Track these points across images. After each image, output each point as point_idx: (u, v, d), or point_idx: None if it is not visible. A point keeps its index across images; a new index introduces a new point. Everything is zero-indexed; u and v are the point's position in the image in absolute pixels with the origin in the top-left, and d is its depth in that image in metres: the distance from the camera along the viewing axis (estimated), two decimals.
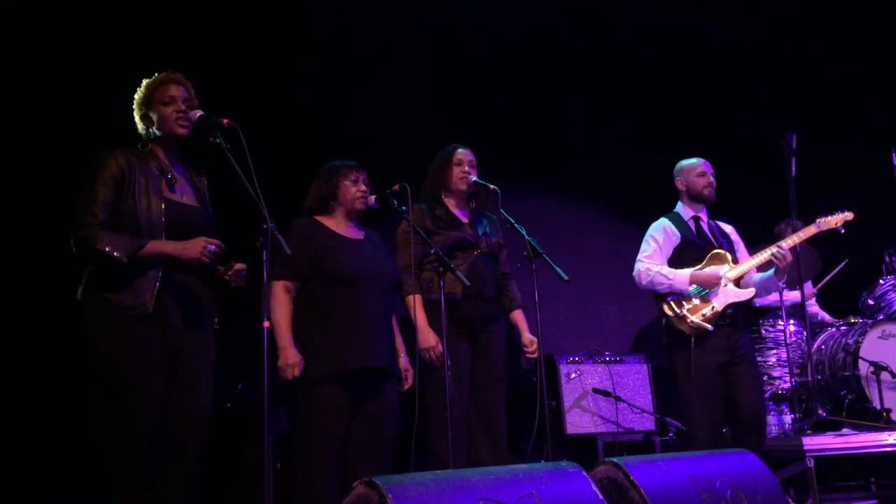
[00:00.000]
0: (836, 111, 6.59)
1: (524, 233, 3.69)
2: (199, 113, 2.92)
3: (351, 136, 5.10)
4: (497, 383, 3.89)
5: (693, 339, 3.99)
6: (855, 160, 6.16)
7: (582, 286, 6.09)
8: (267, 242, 2.72)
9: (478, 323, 3.84)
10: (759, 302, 5.38)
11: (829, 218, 4.14)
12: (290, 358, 3.27)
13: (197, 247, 2.80)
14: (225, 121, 2.84)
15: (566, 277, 3.59)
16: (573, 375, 5.51)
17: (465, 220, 4.00)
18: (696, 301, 4.04)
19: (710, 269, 4.07)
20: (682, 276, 4.06)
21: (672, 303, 4.08)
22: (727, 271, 4.07)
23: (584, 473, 2.43)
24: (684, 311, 4.03)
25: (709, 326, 3.98)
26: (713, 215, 4.41)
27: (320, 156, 3.78)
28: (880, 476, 5.42)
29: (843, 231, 4.08)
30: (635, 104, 6.33)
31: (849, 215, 4.12)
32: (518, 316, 4.11)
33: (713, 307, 4.02)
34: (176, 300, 2.86)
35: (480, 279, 3.84)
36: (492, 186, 3.84)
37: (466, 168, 3.97)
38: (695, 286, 4.03)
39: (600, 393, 5.44)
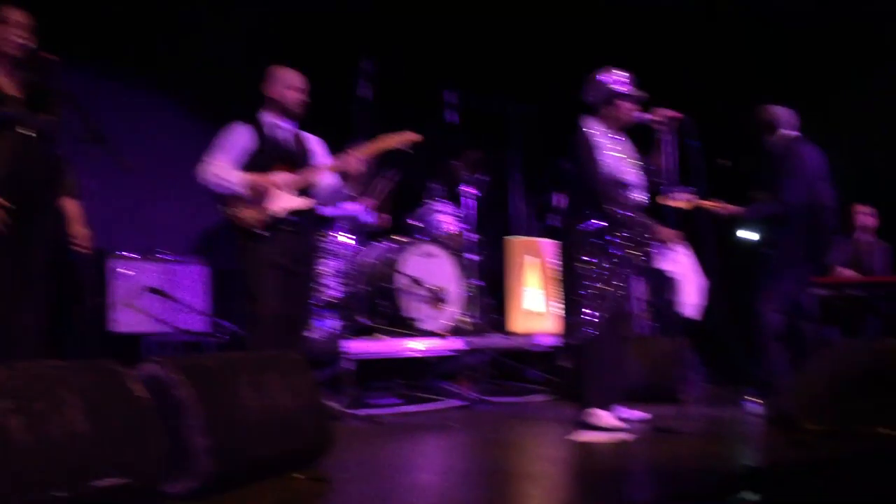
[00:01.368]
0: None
1: (85, 114, 3.32)
2: None
3: None
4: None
5: (252, 241, 4.01)
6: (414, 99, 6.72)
7: (145, 179, 5.72)
8: None
9: (24, 210, 3.39)
10: (323, 212, 5.62)
11: (398, 135, 4.36)
12: None
13: None
14: None
15: (130, 167, 3.33)
16: (125, 272, 5.23)
17: (15, 92, 3.47)
18: (253, 204, 4.04)
19: (274, 175, 4.09)
20: (241, 178, 4.03)
21: (232, 204, 4.04)
22: (292, 179, 4.11)
23: (128, 371, 2.33)
24: (243, 213, 4.02)
25: (265, 232, 4.02)
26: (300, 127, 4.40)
27: None
28: (404, 377, 6.15)
29: (408, 150, 4.34)
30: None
31: (415, 136, 4.38)
32: (71, 204, 3.72)
33: (273, 211, 4.05)
34: None
35: (28, 162, 3.38)
36: (51, 56, 3.37)
37: (21, 31, 3.42)
38: (254, 189, 4.03)
39: (154, 292, 5.25)
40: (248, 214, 4.03)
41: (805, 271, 4.91)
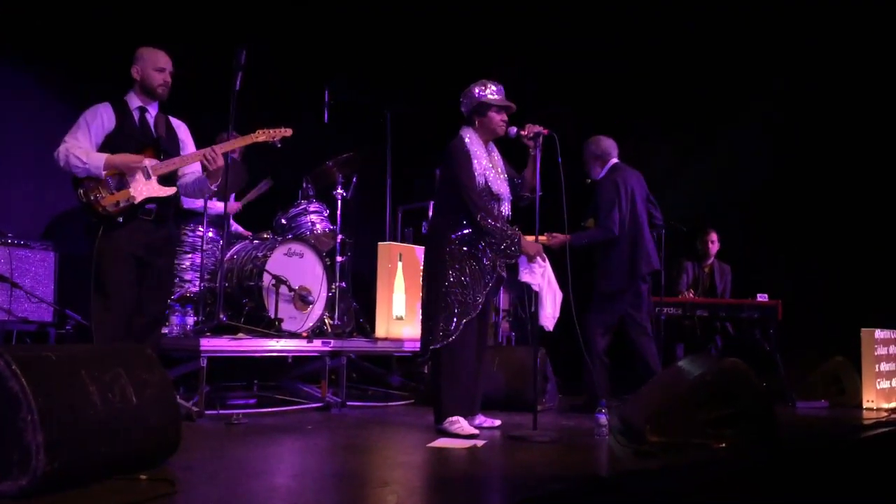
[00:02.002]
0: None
1: None
2: None
3: None
4: None
5: (106, 228, 3.83)
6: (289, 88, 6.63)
7: None
8: None
9: None
10: (186, 205, 5.42)
11: (269, 130, 4.31)
12: None
13: None
14: None
15: None
16: None
17: None
18: (112, 190, 3.87)
19: (135, 158, 3.92)
20: (97, 159, 3.85)
21: (86, 188, 3.85)
22: (154, 164, 3.96)
23: None
24: (97, 198, 3.83)
25: (119, 217, 3.85)
26: (165, 109, 4.24)
27: None
28: (262, 378, 6.02)
29: (279, 145, 4.28)
30: None
31: (287, 131, 4.33)
32: None
33: (130, 198, 3.89)
34: None
35: None
36: None
37: None
38: (109, 171, 3.85)
39: None
40: (105, 199, 3.84)
41: (630, 293, 5.21)
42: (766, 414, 3.70)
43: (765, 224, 7.34)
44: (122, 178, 3.90)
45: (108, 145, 3.95)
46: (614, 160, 5.43)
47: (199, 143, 4.34)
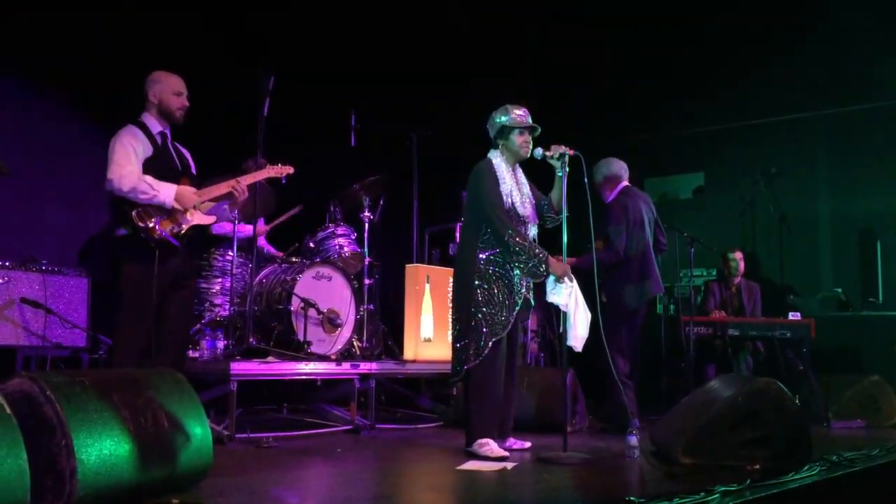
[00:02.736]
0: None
1: None
2: None
3: None
4: None
5: (145, 256, 3.89)
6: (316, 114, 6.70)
7: (26, 184, 5.48)
8: None
9: None
10: (215, 230, 5.50)
11: (276, 167, 4.43)
12: None
13: None
14: None
15: (8, 171, 3.18)
16: (0, 282, 4.96)
17: None
18: (164, 217, 3.94)
19: (185, 188, 4.02)
20: (168, 189, 3.92)
21: (142, 214, 3.90)
22: (196, 194, 4.06)
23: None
24: (153, 225, 3.89)
25: (176, 242, 3.93)
26: (177, 134, 4.31)
27: None
28: (292, 401, 6.04)
29: (284, 182, 4.42)
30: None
31: (289, 169, 4.47)
32: None
33: (182, 225, 3.97)
34: None
35: None
36: None
37: None
38: (182, 202, 3.96)
39: (28, 303, 5.00)
40: (162, 225, 3.90)
41: (638, 314, 5.20)
42: (800, 434, 3.64)
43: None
44: (186, 207, 4.00)
45: (146, 172, 3.97)
46: (625, 183, 5.47)
47: (226, 169, 4.42)
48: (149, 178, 3.90)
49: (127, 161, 3.89)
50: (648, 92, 7.77)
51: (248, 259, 5.52)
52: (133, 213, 3.87)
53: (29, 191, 5.59)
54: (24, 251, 5.24)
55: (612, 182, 5.46)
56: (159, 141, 4.09)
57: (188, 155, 4.30)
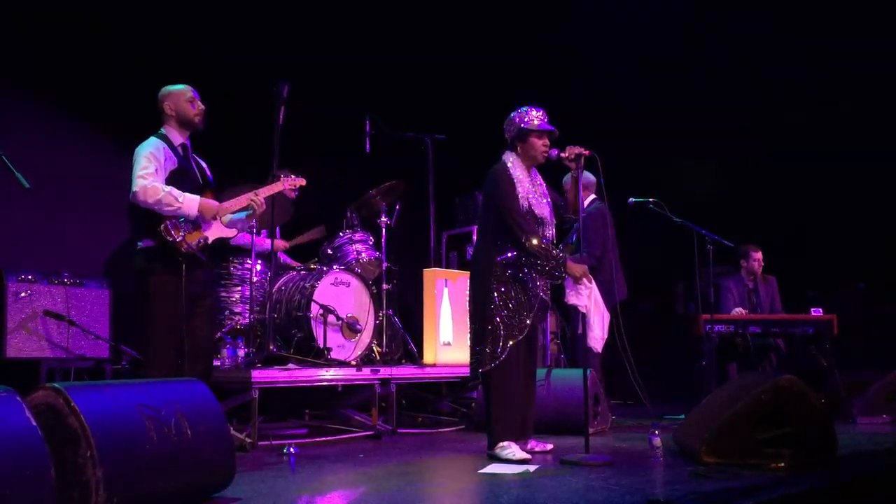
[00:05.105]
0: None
1: None
2: None
3: None
4: None
5: (170, 267, 3.92)
6: (331, 121, 6.73)
7: (47, 198, 5.54)
8: None
9: None
10: (234, 241, 5.53)
11: (289, 179, 4.45)
12: None
13: None
14: None
15: (27, 185, 3.21)
16: (23, 294, 5.02)
17: None
18: (190, 229, 3.97)
19: (209, 200, 4.05)
20: (191, 201, 3.95)
21: (169, 226, 3.93)
22: (219, 206, 4.10)
23: (18, 398, 2.22)
24: (181, 237, 3.92)
25: (202, 255, 3.97)
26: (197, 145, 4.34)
27: None
28: (313, 407, 6.06)
29: (295, 195, 4.44)
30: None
31: (301, 181, 4.50)
32: None
33: (206, 237, 4.01)
34: None
35: None
36: None
37: None
38: (205, 213, 3.99)
39: (52, 316, 5.05)
40: (189, 238, 3.94)
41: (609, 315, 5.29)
42: (824, 432, 3.61)
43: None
44: (209, 219, 4.03)
45: (170, 184, 4.01)
46: (593, 195, 5.73)
47: (246, 179, 4.45)
48: (174, 191, 3.93)
49: (151, 173, 3.92)
50: (658, 85, 7.75)
51: (266, 267, 5.55)
52: (161, 226, 3.90)
53: (50, 205, 5.64)
54: (46, 265, 5.30)
55: (588, 191, 5.70)
56: (181, 153, 4.13)
57: (206, 166, 4.33)
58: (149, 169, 3.92)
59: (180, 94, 4.14)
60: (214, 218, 4.05)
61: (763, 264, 6.80)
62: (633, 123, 7.77)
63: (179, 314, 3.90)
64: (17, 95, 5.72)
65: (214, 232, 4.08)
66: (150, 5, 6.10)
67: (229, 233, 4.17)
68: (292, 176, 4.48)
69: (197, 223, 4.00)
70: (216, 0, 6.38)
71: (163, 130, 4.12)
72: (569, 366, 6.66)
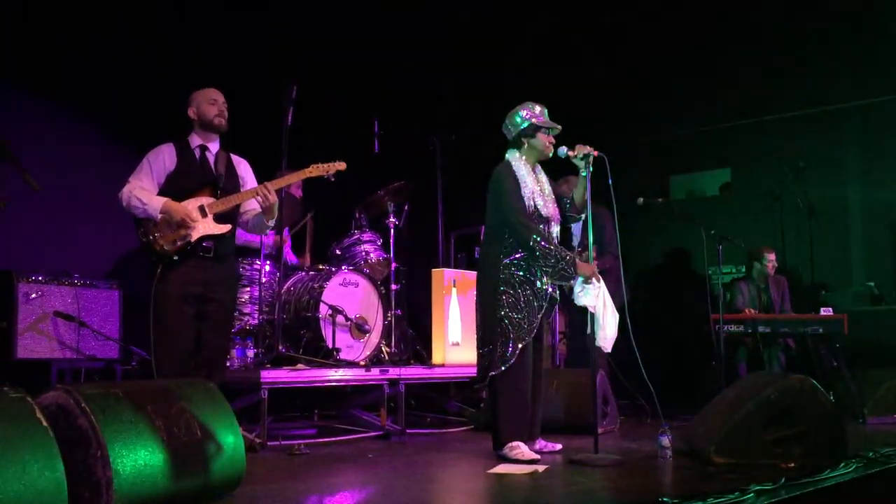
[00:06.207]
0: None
1: None
2: None
3: None
4: None
5: (164, 267, 3.93)
6: (339, 121, 6.73)
7: (57, 200, 5.57)
8: None
9: None
10: (238, 241, 5.52)
11: (323, 165, 4.36)
12: None
13: None
14: None
15: (37, 186, 3.23)
16: (34, 296, 5.04)
17: None
18: (168, 229, 3.96)
19: (189, 201, 4.01)
20: (156, 202, 3.96)
21: (145, 227, 3.96)
22: (210, 203, 4.04)
23: (29, 399, 2.23)
24: (156, 237, 3.94)
25: (175, 256, 3.94)
26: (227, 146, 4.32)
27: None
28: (322, 408, 6.07)
29: (332, 179, 4.34)
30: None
31: (341, 165, 4.39)
32: None
33: (186, 237, 3.97)
34: None
35: None
36: None
37: None
38: (165, 214, 3.95)
39: (62, 317, 5.08)
40: (163, 238, 3.94)
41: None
42: (835, 431, 3.59)
43: None
44: (177, 221, 3.99)
45: (169, 185, 4.05)
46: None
47: (260, 180, 4.44)
48: (141, 193, 3.97)
49: (135, 178, 4.04)
50: (673, 88, 7.72)
51: (275, 268, 5.56)
52: (141, 228, 3.99)
53: (61, 207, 5.67)
54: (56, 266, 5.33)
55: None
56: (197, 154, 4.14)
57: (242, 164, 4.32)
58: (137, 173, 4.06)
59: (202, 97, 4.17)
60: (185, 219, 3.96)
61: (776, 265, 6.79)
62: None
63: (176, 314, 3.93)
64: (29, 97, 5.74)
65: (200, 230, 4.01)
66: (170, 5, 6.13)
67: (219, 229, 4.06)
68: (319, 164, 4.35)
69: (183, 223, 3.97)
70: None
71: (189, 136, 4.18)
72: (571, 366, 6.64)
